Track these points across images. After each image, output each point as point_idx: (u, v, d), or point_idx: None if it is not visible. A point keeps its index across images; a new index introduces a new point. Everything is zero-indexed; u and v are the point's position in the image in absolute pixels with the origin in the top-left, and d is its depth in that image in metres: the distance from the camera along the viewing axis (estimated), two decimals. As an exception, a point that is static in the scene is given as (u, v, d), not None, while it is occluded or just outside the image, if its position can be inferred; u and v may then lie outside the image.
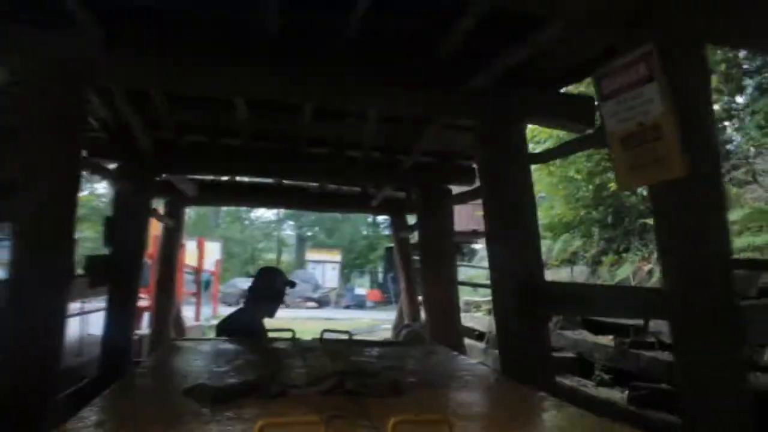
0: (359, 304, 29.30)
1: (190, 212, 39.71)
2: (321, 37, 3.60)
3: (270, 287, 4.84)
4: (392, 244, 28.31)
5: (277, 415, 1.71)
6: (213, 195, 7.80)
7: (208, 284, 15.74)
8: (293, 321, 5.22)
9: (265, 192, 7.88)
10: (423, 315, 8.68)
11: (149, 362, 3.33)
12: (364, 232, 46.63)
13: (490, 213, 4.28)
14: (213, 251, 23.52)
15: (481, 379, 3.05)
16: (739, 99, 9.27)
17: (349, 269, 42.18)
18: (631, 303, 3.48)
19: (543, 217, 10.32)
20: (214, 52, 3.54)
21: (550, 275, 8.67)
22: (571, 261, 8.86)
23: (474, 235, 17.64)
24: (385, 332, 15.03)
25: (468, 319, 9.23)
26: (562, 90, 4.39)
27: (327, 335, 3.83)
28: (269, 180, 7.61)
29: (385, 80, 3.90)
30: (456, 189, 6.52)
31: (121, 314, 5.39)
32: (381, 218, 46.91)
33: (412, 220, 8.34)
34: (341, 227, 43.86)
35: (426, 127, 5.18)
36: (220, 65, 3.61)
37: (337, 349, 3.50)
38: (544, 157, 6.43)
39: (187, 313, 13.21)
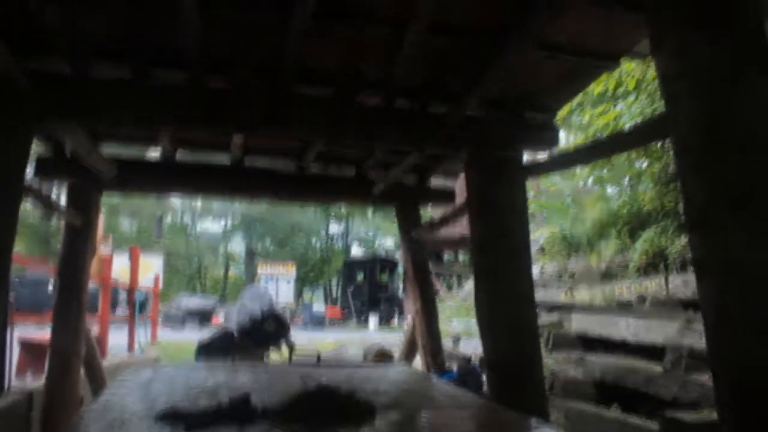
0: (318, 322, 26.80)
1: (130, 223, 37.79)
2: None
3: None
4: (351, 257, 26.63)
5: None
6: (140, 178, 5.32)
7: (144, 304, 13.09)
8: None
9: (217, 175, 5.46)
10: (446, 348, 6.48)
11: (116, 386, 3.02)
12: (318, 245, 44.82)
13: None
14: (153, 265, 21.03)
15: None
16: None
17: (301, 283, 40.14)
18: None
19: (598, 209, 8.09)
20: None
21: (627, 290, 6.43)
22: (655, 266, 6.59)
23: (462, 242, 15.40)
24: (354, 356, 13.20)
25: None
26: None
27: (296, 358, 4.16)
28: (224, 157, 5.30)
29: None
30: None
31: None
32: (335, 229, 45.50)
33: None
34: (294, 239, 41.60)
35: (504, 47, 3.20)
36: None
37: (308, 371, 3.44)
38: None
39: (120, 340, 10.90)
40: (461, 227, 13.77)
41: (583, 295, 7.33)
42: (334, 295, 37.28)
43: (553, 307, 6.92)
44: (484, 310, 3.92)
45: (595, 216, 8.03)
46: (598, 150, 3.91)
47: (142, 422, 2.11)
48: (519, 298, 3.83)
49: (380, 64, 3.46)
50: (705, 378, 4.47)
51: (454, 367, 5.48)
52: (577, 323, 6.40)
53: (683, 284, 5.81)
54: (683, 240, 6.01)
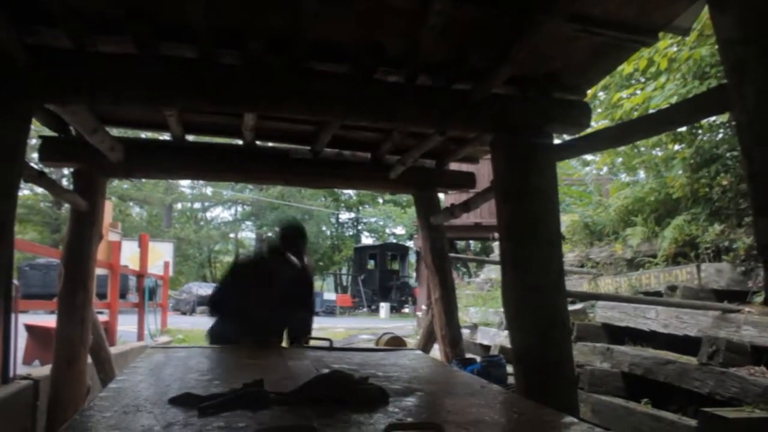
0: (329, 310, 26.78)
1: (141, 211, 38.04)
2: None
3: None
4: (361, 245, 26.42)
5: (268, 424, 1.86)
6: (148, 162, 5.10)
7: (154, 291, 12.95)
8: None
9: (228, 159, 5.25)
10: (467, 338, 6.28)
11: (128, 370, 3.01)
12: (328, 233, 44.76)
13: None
14: (164, 253, 20.99)
15: None
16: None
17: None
18: None
19: (622, 196, 7.81)
20: None
21: (656, 279, 6.20)
22: (685, 255, 6.31)
23: (476, 230, 15.14)
24: (366, 344, 13.00)
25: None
26: None
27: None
28: (236, 141, 5.08)
29: None
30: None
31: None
32: (345, 217, 45.42)
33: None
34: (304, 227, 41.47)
35: (534, 19, 2.96)
36: None
37: (319, 357, 3.44)
38: None
39: (129, 327, 10.83)
40: (474, 214, 13.55)
41: (607, 284, 7.09)
42: (344, 283, 37.15)
43: (576, 296, 6.65)
44: (511, 300, 3.70)
45: (619, 203, 7.77)
46: (635, 130, 3.62)
47: (156, 407, 2.09)
48: (548, 288, 3.60)
49: (402, 37, 3.23)
50: (744, 372, 4.23)
51: (476, 358, 5.27)
52: (603, 313, 6.17)
53: (716, 273, 5.55)
54: (717, 228, 5.76)
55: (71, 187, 5.08)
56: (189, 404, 2.08)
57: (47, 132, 4.76)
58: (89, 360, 5.25)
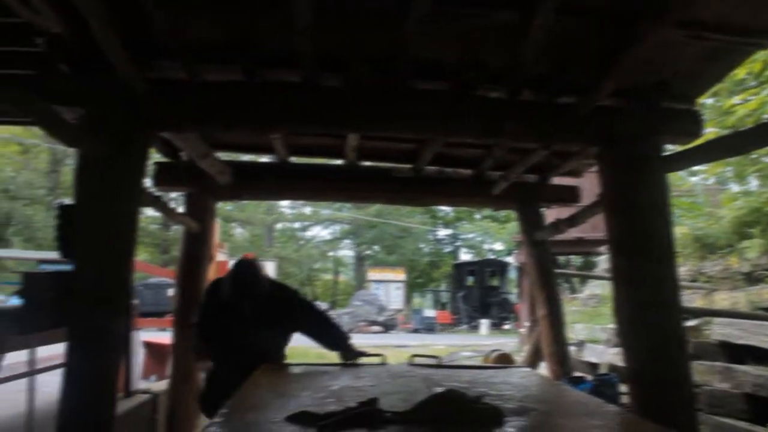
0: (429, 327, 26.67)
1: (243, 232, 38.98)
2: None
3: None
4: (460, 261, 26.08)
5: None
6: (255, 183, 5.28)
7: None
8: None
9: (332, 179, 5.36)
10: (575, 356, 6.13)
11: (243, 390, 2.95)
12: (426, 249, 44.71)
13: None
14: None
15: None
16: None
17: (410, 289, 40.10)
18: None
19: (736, 207, 7.43)
20: None
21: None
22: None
23: (578, 244, 14.80)
24: (468, 362, 12.81)
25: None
26: None
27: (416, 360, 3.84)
28: (339, 161, 5.22)
29: None
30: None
31: (87, 373, 3.01)
32: (442, 234, 45.24)
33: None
34: (402, 244, 41.66)
35: (641, 28, 2.93)
36: None
37: (428, 374, 3.39)
38: None
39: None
40: (576, 229, 13.23)
41: (723, 299, 6.73)
42: (443, 300, 36.98)
43: (691, 313, 6.30)
44: (625, 318, 3.57)
45: (732, 214, 7.38)
46: (752, 139, 3.38)
47: (274, 426, 2.12)
48: (663, 305, 3.46)
49: (504, 52, 3.20)
50: None
51: (585, 377, 5.12)
52: (719, 330, 5.85)
53: None
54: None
55: (180, 209, 5.30)
56: (306, 422, 2.09)
57: (159, 158, 5.00)
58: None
